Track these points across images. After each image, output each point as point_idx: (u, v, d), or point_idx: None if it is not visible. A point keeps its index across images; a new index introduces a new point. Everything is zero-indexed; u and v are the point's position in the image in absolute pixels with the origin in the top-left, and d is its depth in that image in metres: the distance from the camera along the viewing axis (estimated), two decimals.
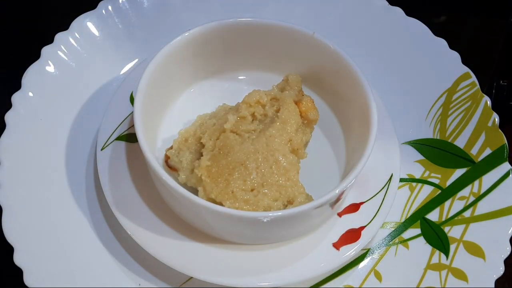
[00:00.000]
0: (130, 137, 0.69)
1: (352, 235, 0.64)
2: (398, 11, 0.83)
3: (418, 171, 0.74)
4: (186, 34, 0.68)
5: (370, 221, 0.65)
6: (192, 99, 0.74)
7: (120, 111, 0.71)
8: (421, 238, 0.69)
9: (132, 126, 0.69)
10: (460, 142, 0.75)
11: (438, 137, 0.76)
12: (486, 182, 0.71)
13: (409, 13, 0.83)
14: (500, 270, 0.65)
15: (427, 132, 0.76)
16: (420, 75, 0.80)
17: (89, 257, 0.65)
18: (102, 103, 0.73)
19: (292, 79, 0.69)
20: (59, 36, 0.76)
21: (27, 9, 0.91)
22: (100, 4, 0.80)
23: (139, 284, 0.64)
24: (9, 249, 0.62)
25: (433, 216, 0.70)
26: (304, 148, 0.68)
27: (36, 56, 0.74)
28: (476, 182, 0.71)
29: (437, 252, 0.67)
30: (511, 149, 0.73)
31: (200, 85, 0.75)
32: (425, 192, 0.72)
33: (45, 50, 0.75)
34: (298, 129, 0.67)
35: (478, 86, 0.77)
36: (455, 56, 0.80)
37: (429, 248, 0.68)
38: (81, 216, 0.67)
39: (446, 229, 0.69)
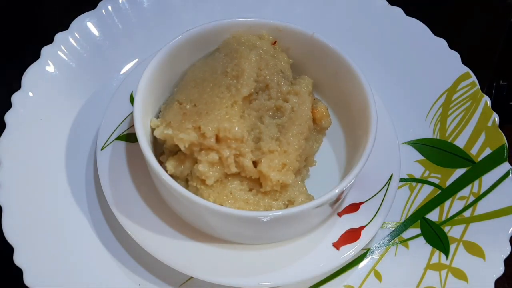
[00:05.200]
0: (130, 137, 0.69)
1: (352, 235, 0.64)
2: (398, 11, 0.83)
3: (418, 171, 0.74)
4: (186, 34, 0.68)
5: (370, 221, 0.65)
6: None
7: (120, 111, 0.71)
8: (421, 238, 0.69)
9: (132, 126, 0.69)
10: (460, 142, 0.75)
11: (438, 137, 0.76)
12: (486, 182, 0.71)
13: (409, 13, 0.83)
14: (500, 270, 0.65)
15: (427, 132, 0.76)
16: (420, 75, 0.80)
17: (89, 257, 0.65)
18: (102, 103, 0.73)
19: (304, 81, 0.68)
20: (59, 36, 0.76)
21: (27, 9, 0.91)
22: (100, 4, 0.80)
23: (139, 284, 0.64)
24: (9, 249, 0.62)
25: (433, 216, 0.70)
26: (313, 155, 0.68)
27: (36, 56, 0.74)
28: (476, 182, 0.71)
29: (437, 252, 0.67)
30: (511, 149, 0.74)
31: None
32: (425, 192, 0.72)
33: (45, 50, 0.75)
34: (310, 136, 0.67)
35: (478, 86, 0.77)
36: (455, 56, 0.80)
37: (429, 248, 0.68)
38: (81, 216, 0.67)
39: (446, 229, 0.69)
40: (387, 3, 0.84)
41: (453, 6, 0.95)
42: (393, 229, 0.70)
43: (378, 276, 0.66)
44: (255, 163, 0.62)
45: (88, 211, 0.68)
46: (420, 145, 0.76)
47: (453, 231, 0.69)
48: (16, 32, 0.88)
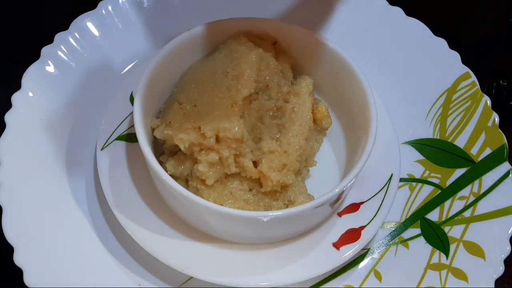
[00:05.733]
0: (130, 137, 0.69)
1: (352, 235, 0.64)
2: (398, 11, 0.83)
3: (418, 171, 0.74)
4: (186, 34, 0.68)
5: (370, 221, 0.65)
6: None
7: (120, 111, 0.71)
8: (421, 238, 0.69)
9: (132, 126, 0.69)
10: (460, 142, 0.75)
11: (438, 137, 0.76)
12: (486, 182, 0.71)
13: (409, 13, 0.83)
14: (500, 270, 0.65)
15: (427, 132, 0.76)
16: (420, 75, 0.80)
17: (89, 257, 0.65)
18: (102, 103, 0.73)
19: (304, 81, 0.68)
20: (59, 36, 0.76)
21: (27, 9, 0.90)
22: (100, 4, 0.80)
23: (139, 284, 0.64)
24: (9, 249, 0.62)
25: (433, 216, 0.70)
26: (313, 156, 0.68)
27: (36, 56, 0.74)
28: (476, 182, 0.71)
29: (437, 252, 0.67)
30: (511, 149, 0.74)
31: None
32: (425, 192, 0.72)
33: (45, 50, 0.75)
34: (310, 136, 0.67)
35: (478, 86, 0.77)
36: (455, 56, 0.80)
37: (429, 248, 0.68)
38: (81, 216, 0.67)
39: (446, 229, 0.69)
40: (387, 3, 0.84)
41: (453, 6, 0.94)
42: (393, 229, 0.70)
43: (378, 276, 0.66)
44: (255, 163, 0.62)
45: (88, 211, 0.68)
46: (420, 145, 0.76)
47: (453, 231, 0.69)
48: (16, 32, 0.88)
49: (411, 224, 0.70)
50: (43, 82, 0.73)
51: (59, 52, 0.76)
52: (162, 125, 0.63)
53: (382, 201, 0.67)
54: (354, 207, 0.67)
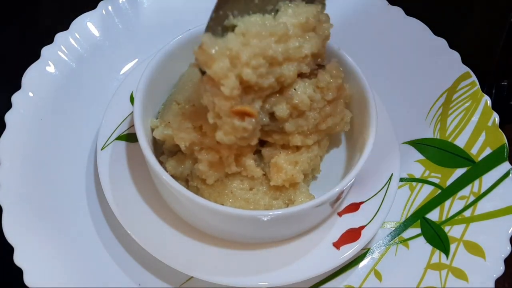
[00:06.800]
0: (130, 137, 0.69)
1: (352, 235, 0.64)
2: (398, 11, 0.83)
3: (418, 171, 0.74)
4: (186, 34, 0.68)
5: (370, 221, 0.65)
6: None
7: (120, 111, 0.71)
8: (421, 238, 0.69)
9: (132, 126, 0.69)
10: (460, 142, 0.75)
11: (438, 137, 0.76)
12: (486, 182, 0.71)
13: (409, 13, 0.83)
14: (500, 269, 0.65)
15: (427, 131, 0.76)
16: (420, 75, 0.80)
17: (89, 257, 0.65)
18: (102, 103, 0.73)
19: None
20: (59, 36, 0.77)
21: (27, 9, 0.91)
22: (100, 4, 0.80)
23: (139, 284, 0.64)
24: (9, 249, 0.62)
25: (433, 215, 0.70)
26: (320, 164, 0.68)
27: (36, 56, 0.74)
28: (476, 182, 0.71)
29: (437, 251, 0.67)
30: (511, 148, 0.74)
31: None
32: (425, 192, 0.72)
33: (45, 50, 0.75)
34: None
35: (478, 85, 0.77)
36: (455, 56, 0.80)
37: (429, 247, 0.68)
38: (81, 216, 0.67)
39: (446, 228, 0.69)
40: (387, 3, 0.84)
41: (453, 6, 0.94)
42: (393, 228, 0.70)
43: (378, 276, 0.66)
44: (264, 158, 0.62)
45: (88, 211, 0.68)
46: (420, 145, 0.76)
47: (453, 231, 0.69)
48: (16, 32, 0.88)
49: (411, 224, 0.70)
50: (43, 82, 0.73)
51: (59, 52, 0.76)
52: (161, 125, 0.63)
53: (382, 200, 0.67)
54: (354, 207, 0.67)
